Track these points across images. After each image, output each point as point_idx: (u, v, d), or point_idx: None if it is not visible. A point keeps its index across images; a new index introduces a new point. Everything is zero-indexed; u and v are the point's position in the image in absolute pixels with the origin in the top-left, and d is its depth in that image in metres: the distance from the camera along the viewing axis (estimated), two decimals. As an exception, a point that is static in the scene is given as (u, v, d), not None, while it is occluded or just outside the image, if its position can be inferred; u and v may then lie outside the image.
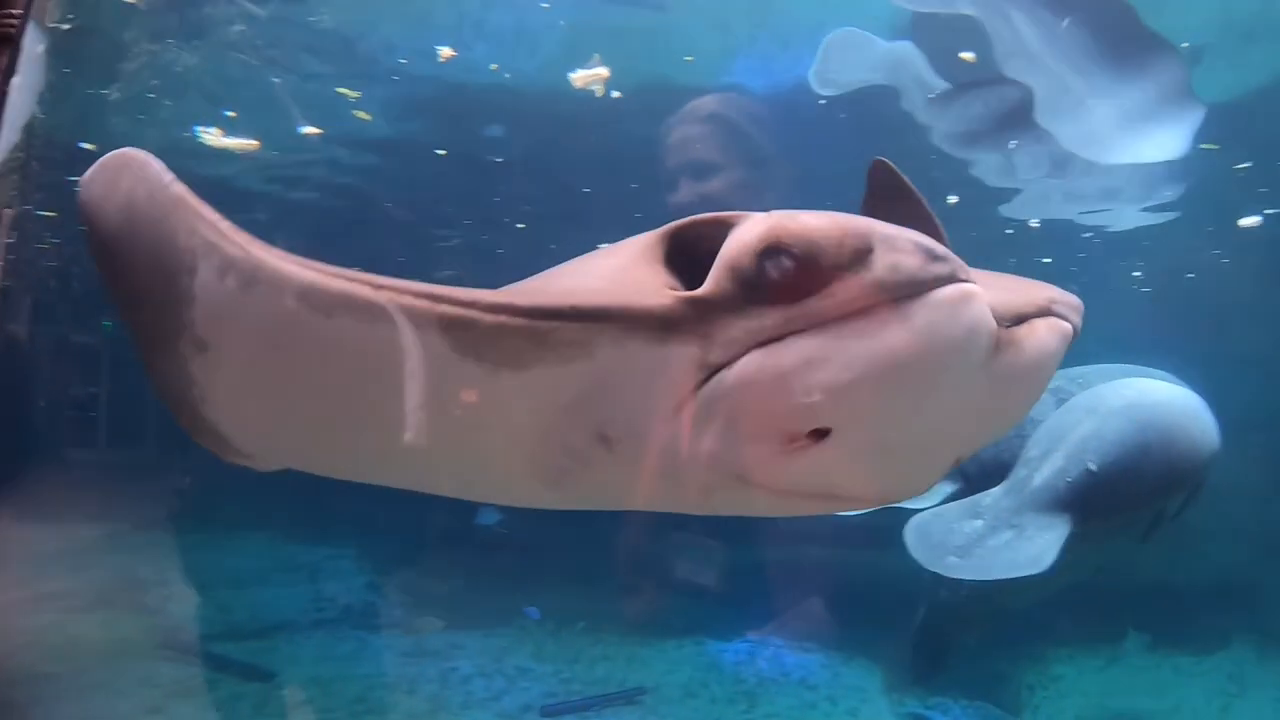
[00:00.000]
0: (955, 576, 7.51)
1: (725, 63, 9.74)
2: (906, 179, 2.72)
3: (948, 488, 8.08)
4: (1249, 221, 13.89)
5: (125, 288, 1.79)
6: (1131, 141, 10.95)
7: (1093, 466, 7.68)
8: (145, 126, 10.57)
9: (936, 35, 9.14)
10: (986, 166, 11.92)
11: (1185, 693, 11.78)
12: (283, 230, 14.20)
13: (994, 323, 1.61)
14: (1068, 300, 1.78)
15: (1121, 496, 7.84)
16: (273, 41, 9.18)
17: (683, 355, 1.63)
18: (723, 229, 1.70)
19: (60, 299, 13.22)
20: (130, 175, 1.72)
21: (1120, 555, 9.25)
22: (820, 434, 1.67)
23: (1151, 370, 8.52)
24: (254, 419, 1.89)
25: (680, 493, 1.84)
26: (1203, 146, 11.02)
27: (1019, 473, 7.96)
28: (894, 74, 9.51)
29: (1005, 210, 13.10)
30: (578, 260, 2.10)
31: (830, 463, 1.71)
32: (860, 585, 11.54)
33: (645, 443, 1.72)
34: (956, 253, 1.74)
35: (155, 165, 1.71)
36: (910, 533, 7.40)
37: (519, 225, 14.42)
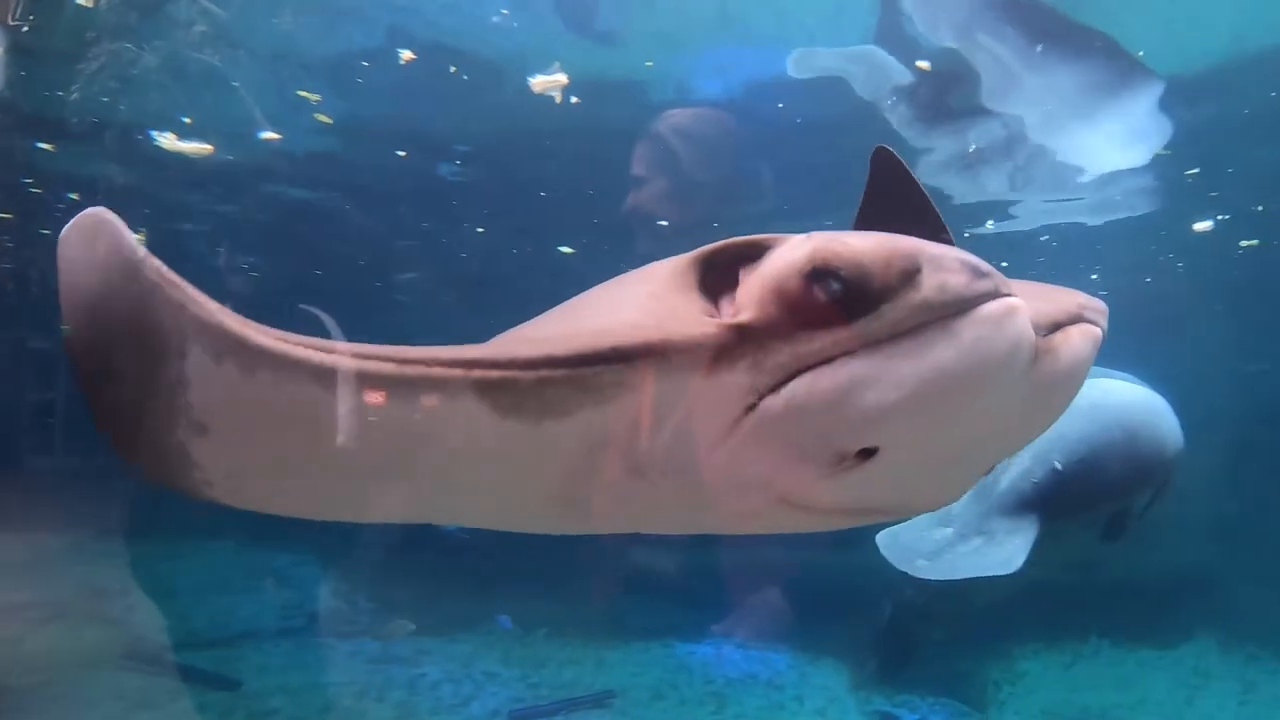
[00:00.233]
0: (925, 578, 7.57)
1: (684, 68, 9.78)
2: (908, 167, 2.72)
3: None
4: (1202, 226, 14.14)
5: (103, 365, 1.68)
6: (1101, 148, 11.10)
7: (1058, 465, 7.77)
8: (102, 129, 10.46)
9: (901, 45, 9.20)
10: (954, 179, 12.03)
11: (1149, 686, 11.95)
12: (242, 235, 14.12)
13: (1034, 334, 1.63)
14: (1095, 305, 1.80)
15: (1087, 494, 7.94)
16: (235, 43, 9.10)
17: (730, 383, 1.62)
18: (757, 251, 1.71)
19: (17, 303, 13.05)
20: (105, 244, 1.65)
21: (1084, 552, 9.36)
22: (867, 453, 1.67)
23: (1113, 372, 8.64)
24: (270, 496, 1.83)
25: (723, 518, 1.86)
26: (1159, 153, 11.20)
27: (985, 478, 8.03)
28: (866, 73, 9.55)
29: (966, 214, 13.22)
30: (606, 287, 2.05)
31: (876, 479, 1.71)
32: (826, 586, 11.62)
33: (690, 473, 1.71)
34: None
35: (128, 239, 1.63)
36: (882, 540, 7.45)
37: (478, 229, 14.38)
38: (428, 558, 12.21)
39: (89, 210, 1.65)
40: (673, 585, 12.26)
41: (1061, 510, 7.75)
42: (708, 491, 1.74)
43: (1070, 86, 9.52)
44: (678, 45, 9.28)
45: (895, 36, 8.94)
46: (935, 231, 2.64)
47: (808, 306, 1.59)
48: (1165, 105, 10.04)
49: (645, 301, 1.77)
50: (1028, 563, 7.31)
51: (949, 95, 9.91)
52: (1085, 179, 11.92)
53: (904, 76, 9.56)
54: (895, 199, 2.71)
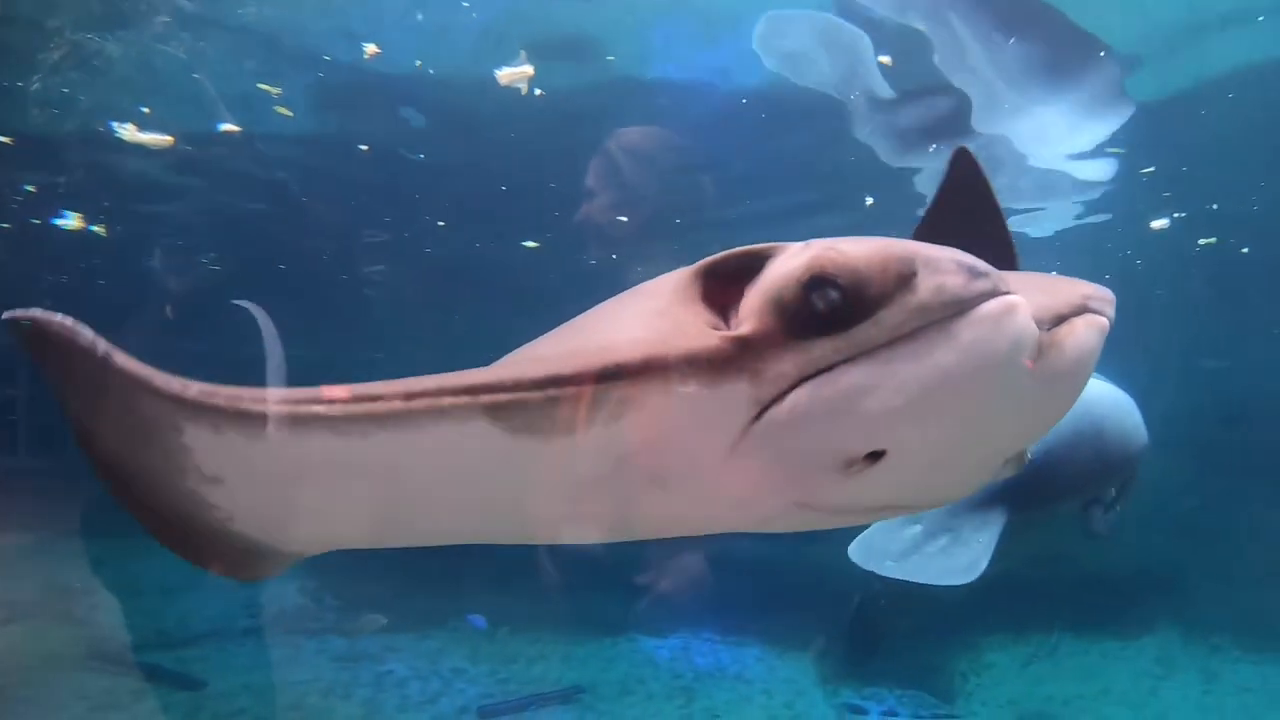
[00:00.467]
0: (893, 577, 7.62)
1: (648, 60, 9.80)
2: (985, 174, 2.72)
3: None
4: (1159, 224, 14.33)
5: (106, 444, 1.77)
6: (1068, 146, 11.21)
7: (1026, 458, 7.85)
8: (62, 120, 10.33)
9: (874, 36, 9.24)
10: (924, 175, 12.12)
11: (1113, 677, 12.11)
12: (203, 228, 13.95)
13: (1036, 329, 1.63)
14: (1101, 294, 1.77)
15: (1054, 487, 8.02)
16: (198, 35, 9.03)
17: (733, 395, 1.63)
18: (759, 261, 1.71)
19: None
20: (72, 350, 1.68)
21: (1049, 546, 9.48)
22: (875, 455, 1.68)
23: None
24: (295, 530, 1.88)
25: (737, 521, 1.87)
26: (1109, 151, 11.33)
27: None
28: (837, 57, 9.56)
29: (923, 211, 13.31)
30: (612, 302, 2.06)
31: (887, 480, 1.72)
32: (793, 579, 11.72)
33: (701, 484, 1.73)
34: None
35: (85, 338, 1.66)
36: (854, 543, 7.51)
37: (439, 223, 14.31)
38: (395, 554, 12.16)
39: (51, 319, 1.68)
40: (640, 580, 12.28)
41: (1028, 504, 7.82)
42: (724, 500, 1.77)
43: (1029, 74, 9.61)
44: (640, 31, 9.27)
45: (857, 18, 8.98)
46: (1001, 245, 2.70)
47: (806, 315, 1.61)
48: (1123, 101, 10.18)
49: (649, 317, 1.79)
50: (994, 557, 7.39)
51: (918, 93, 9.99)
52: (1045, 173, 12.04)
53: (873, 74, 9.62)
54: (967, 204, 2.70)
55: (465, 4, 8.66)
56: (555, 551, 10.58)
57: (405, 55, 9.67)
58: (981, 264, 1.65)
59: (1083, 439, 8.03)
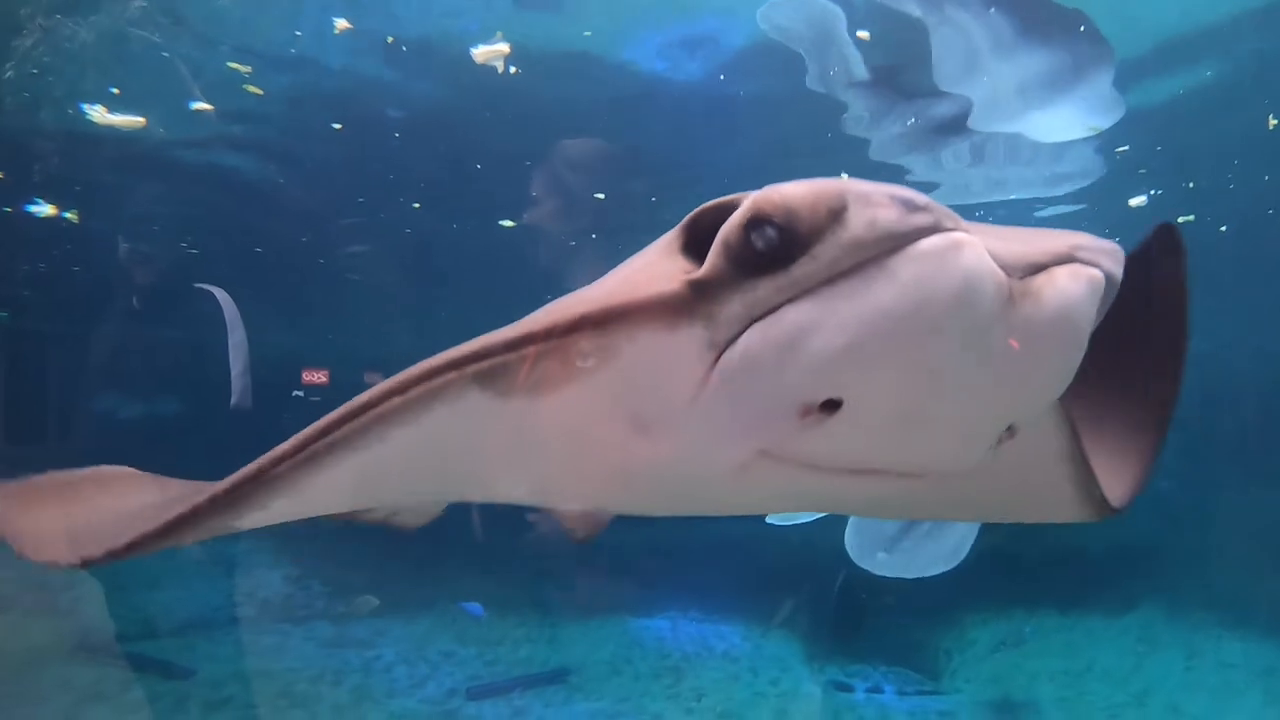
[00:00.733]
0: (883, 574, 7.65)
1: (623, 38, 9.75)
2: (1185, 258, 2.53)
3: None
4: (1137, 201, 14.38)
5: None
6: (1052, 120, 11.19)
7: None
8: (32, 105, 10.21)
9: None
10: (916, 162, 12.11)
11: (1097, 653, 12.22)
12: (178, 212, 13.81)
13: (999, 273, 1.53)
14: (1097, 245, 1.64)
15: None
16: (169, 14, 8.94)
17: (690, 337, 1.64)
18: (731, 210, 1.68)
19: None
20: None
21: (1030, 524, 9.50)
22: (834, 404, 1.64)
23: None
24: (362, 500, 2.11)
25: (724, 478, 1.85)
26: (1088, 126, 11.34)
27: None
28: (820, 36, 9.52)
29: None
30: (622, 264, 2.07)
31: (851, 433, 1.68)
32: (778, 558, 11.76)
33: (678, 429, 1.74)
34: None
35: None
36: (849, 528, 7.52)
37: (415, 204, 14.21)
38: (376, 540, 12.15)
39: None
40: (625, 561, 12.31)
41: None
42: (700, 447, 1.77)
43: (1027, 60, 9.61)
44: (617, 8, 9.22)
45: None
46: (1173, 336, 2.58)
47: (749, 256, 1.60)
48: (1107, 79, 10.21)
49: (633, 270, 1.82)
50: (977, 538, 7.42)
51: (900, 70, 9.96)
52: (1029, 153, 12.04)
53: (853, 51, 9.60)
54: (1151, 280, 2.53)
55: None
56: (540, 534, 10.58)
57: (377, 31, 9.60)
58: (921, 198, 1.58)
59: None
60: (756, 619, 12.49)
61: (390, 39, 9.72)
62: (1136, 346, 2.49)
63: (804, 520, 9.64)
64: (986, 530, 7.71)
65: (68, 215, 13.19)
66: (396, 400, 1.72)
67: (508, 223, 14.40)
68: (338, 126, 11.64)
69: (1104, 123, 11.03)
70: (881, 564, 7.41)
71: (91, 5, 8.65)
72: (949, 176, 12.70)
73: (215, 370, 9.28)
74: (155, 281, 11.73)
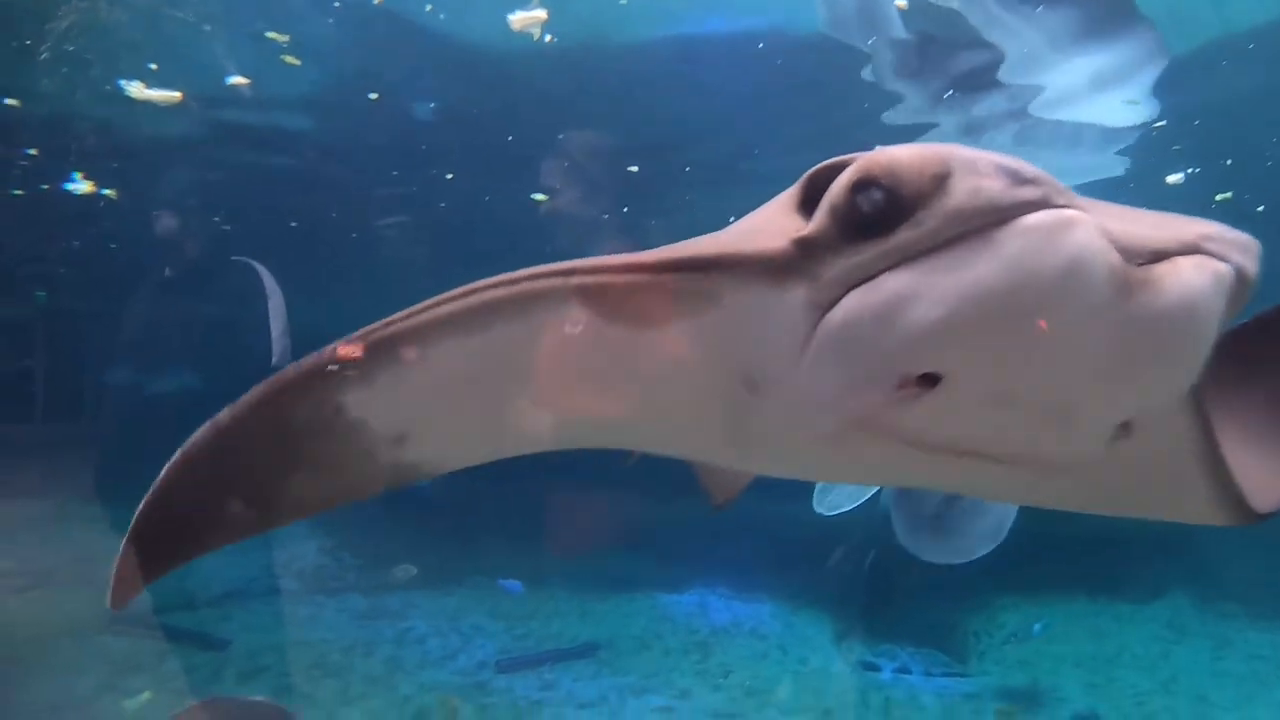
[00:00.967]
0: (931, 560, 7.57)
1: (657, 5, 9.67)
2: None
3: None
4: (1174, 178, 14.17)
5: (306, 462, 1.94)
6: (1098, 101, 11.04)
7: None
8: (70, 83, 10.28)
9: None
10: (946, 129, 11.97)
11: (1125, 639, 12.15)
12: (213, 187, 13.87)
13: (1114, 256, 1.43)
14: (1229, 237, 1.52)
15: None
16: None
17: (795, 296, 1.63)
18: (842, 171, 1.65)
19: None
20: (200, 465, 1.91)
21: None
22: (932, 379, 1.59)
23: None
24: (470, 453, 2.03)
25: (818, 443, 1.82)
26: (1126, 102, 11.17)
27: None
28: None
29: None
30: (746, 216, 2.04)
31: (949, 411, 1.62)
32: (809, 537, 11.73)
33: (775, 387, 1.72)
34: None
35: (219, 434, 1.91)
36: (890, 504, 7.44)
37: (448, 175, 14.17)
38: (410, 514, 12.25)
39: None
40: (656, 538, 12.34)
41: None
42: (803, 410, 1.73)
43: (1063, 33, 9.47)
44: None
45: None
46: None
47: (854, 218, 1.57)
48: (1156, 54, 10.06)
49: (751, 223, 1.81)
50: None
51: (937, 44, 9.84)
52: (1071, 132, 11.89)
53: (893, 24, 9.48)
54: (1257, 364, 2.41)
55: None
56: (573, 509, 10.64)
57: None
58: (1031, 170, 1.50)
59: None
60: (786, 596, 12.50)
61: (429, 7, 9.68)
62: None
63: (849, 509, 9.62)
64: (1019, 512, 7.64)
65: (106, 192, 13.30)
66: (501, 291, 1.70)
67: (540, 196, 14.36)
68: (374, 96, 11.61)
69: (1145, 95, 10.87)
70: (927, 550, 7.31)
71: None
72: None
73: (250, 346, 9.36)
74: (190, 258, 11.82)
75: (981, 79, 10.48)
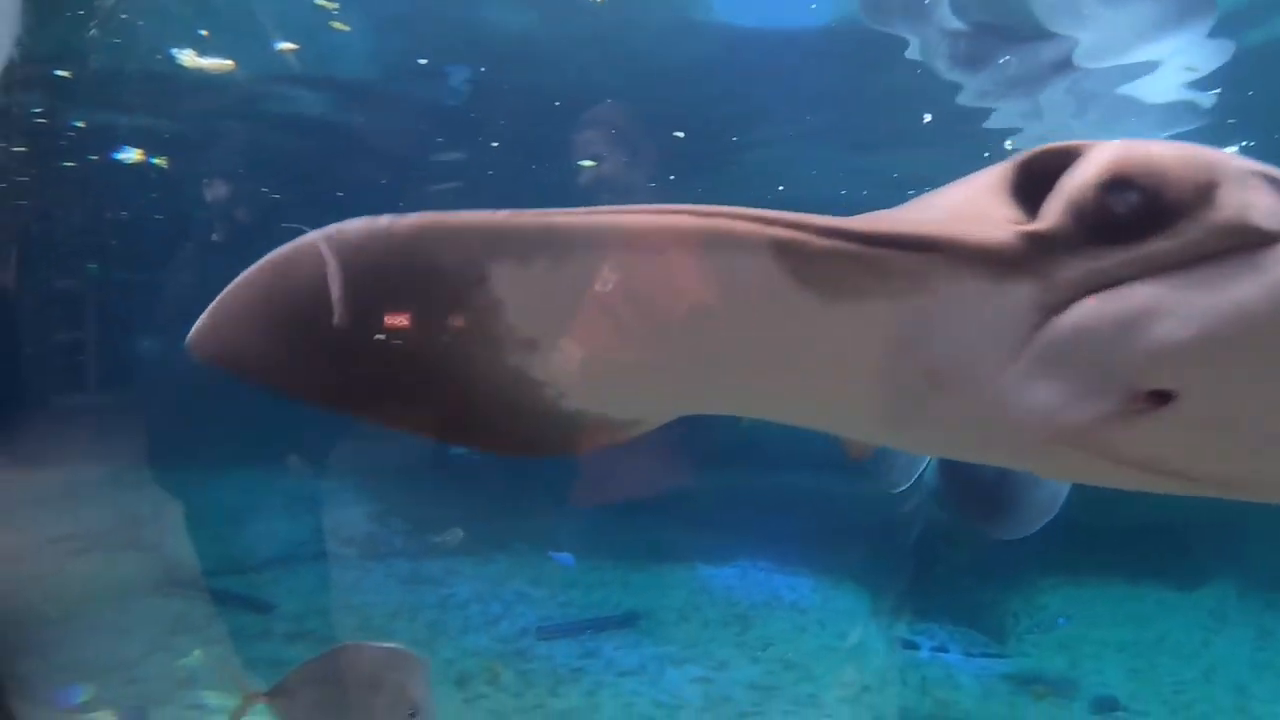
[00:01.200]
0: (984, 533, 7.46)
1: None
2: None
3: None
4: (1229, 152, 13.85)
5: (410, 346, 1.66)
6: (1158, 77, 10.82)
7: None
8: (123, 52, 10.37)
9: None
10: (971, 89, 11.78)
11: (1167, 626, 12.01)
12: (261, 155, 13.96)
13: None
14: None
15: None
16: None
17: (1018, 294, 1.50)
18: (1069, 158, 1.57)
19: (41, 240, 13.06)
20: (314, 261, 1.62)
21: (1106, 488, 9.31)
22: (1162, 397, 1.47)
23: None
24: (618, 389, 1.79)
25: (1014, 446, 1.72)
26: (1185, 68, 10.92)
27: None
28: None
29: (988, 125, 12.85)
30: (932, 193, 1.92)
31: (1176, 433, 1.52)
32: (852, 511, 11.68)
33: (977, 387, 1.59)
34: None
35: (337, 237, 1.62)
36: (937, 474, 7.32)
37: (493, 144, 14.12)
38: (454, 480, 12.34)
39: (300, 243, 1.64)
40: (698, 509, 12.34)
41: None
42: (997, 411, 1.61)
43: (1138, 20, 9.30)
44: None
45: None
46: None
47: (1101, 219, 1.45)
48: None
49: (956, 204, 1.70)
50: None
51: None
52: (1126, 102, 11.65)
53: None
54: None
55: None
56: (614, 480, 10.62)
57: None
58: None
59: None
60: (826, 571, 12.47)
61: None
62: None
63: (905, 487, 9.48)
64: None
65: (156, 161, 13.42)
66: (692, 220, 1.53)
67: (587, 163, 14.27)
68: (423, 61, 11.59)
69: (1203, 64, 10.64)
70: (981, 521, 7.18)
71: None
72: (1050, 125, 12.34)
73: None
74: (239, 226, 11.87)
75: (1039, 60, 10.32)
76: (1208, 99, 11.81)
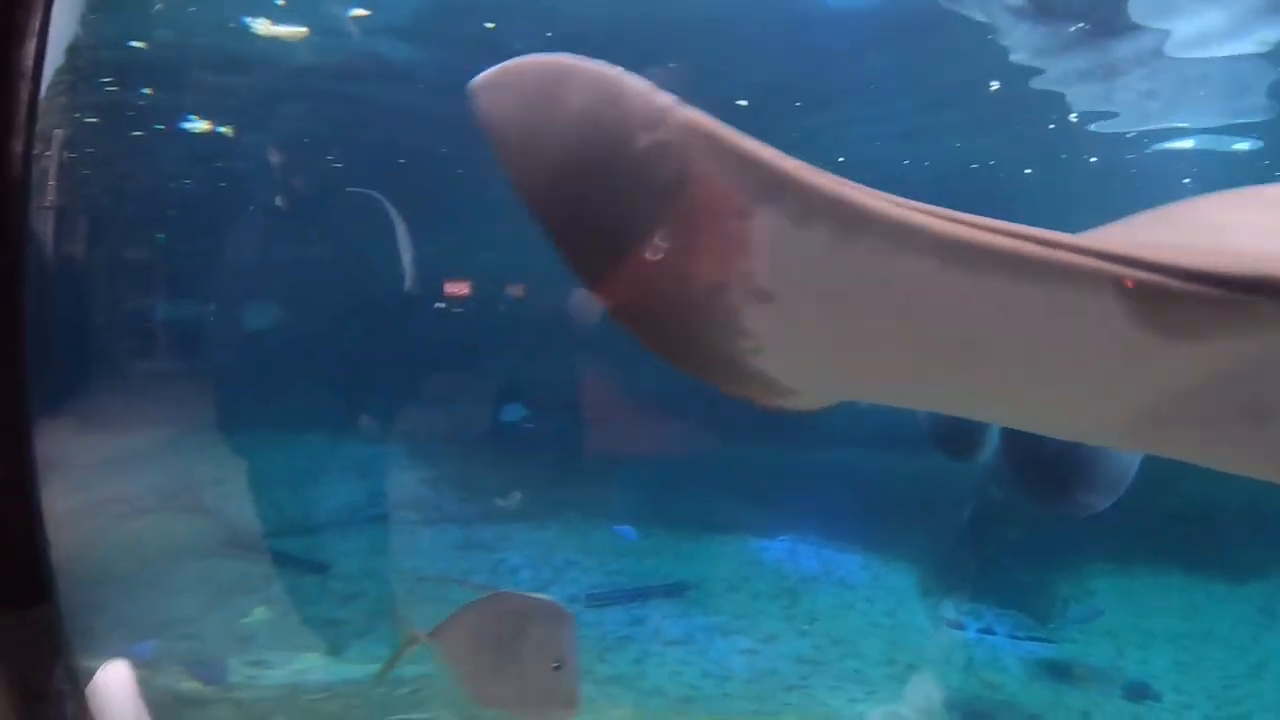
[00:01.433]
0: (1046, 511, 7.30)
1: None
2: None
3: None
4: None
5: (611, 244, 1.52)
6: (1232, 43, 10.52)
7: None
8: (195, 21, 10.46)
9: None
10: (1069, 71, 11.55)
11: (1216, 619, 11.75)
12: (325, 125, 14.03)
13: None
14: None
15: None
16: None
17: None
18: None
19: (114, 214, 13.32)
20: (583, 94, 1.45)
21: (1159, 472, 9.14)
22: None
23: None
24: (824, 366, 1.66)
25: None
26: (1258, 40, 10.58)
27: None
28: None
29: (1051, 107, 12.60)
30: (1211, 203, 1.81)
31: None
32: (904, 489, 11.63)
33: None
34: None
35: (630, 85, 1.44)
36: (1002, 448, 7.14)
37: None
38: (507, 447, 12.46)
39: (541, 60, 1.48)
40: (751, 481, 12.33)
41: None
42: None
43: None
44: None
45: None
46: None
47: None
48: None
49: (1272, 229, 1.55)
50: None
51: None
52: (1201, 79, 11.33)
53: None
54: None
55: None
56: (669, 451, 10.66)
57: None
58: None
59: None
60: (876, 548, 12.42)
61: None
62: None
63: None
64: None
65: (222, 130, 13.57)
66: (1029, 247, 1.38)
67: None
68: (490, 25, 11.54)
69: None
70: (1045, 498, 6.98)
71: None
72: (1124, 107, 12.06)
73: (358, 282, 9.55)
74: (303, 195, 11.96)
75: (1110, 21, 10.07)
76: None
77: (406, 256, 9.17)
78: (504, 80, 1.55)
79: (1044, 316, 1.44)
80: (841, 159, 14.71)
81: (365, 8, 10.74)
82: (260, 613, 9.46)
